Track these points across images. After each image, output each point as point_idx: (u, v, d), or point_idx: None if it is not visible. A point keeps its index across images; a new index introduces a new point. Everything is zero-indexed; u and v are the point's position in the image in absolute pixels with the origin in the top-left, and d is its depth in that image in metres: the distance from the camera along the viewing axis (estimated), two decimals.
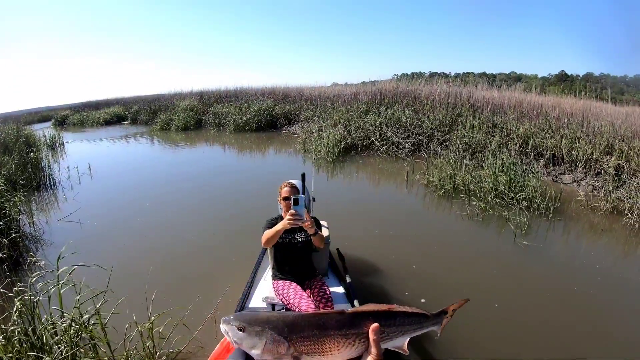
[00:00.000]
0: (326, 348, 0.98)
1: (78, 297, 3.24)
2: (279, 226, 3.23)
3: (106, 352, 3.31)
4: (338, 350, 0.98)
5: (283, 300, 3.45)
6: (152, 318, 3.61)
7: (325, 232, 4.32)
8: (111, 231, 7.06)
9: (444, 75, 23.94)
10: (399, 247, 6.12)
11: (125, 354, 3.39)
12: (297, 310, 3.25)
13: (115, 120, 28.75)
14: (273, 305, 3.63)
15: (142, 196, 9.27)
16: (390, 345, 1.07)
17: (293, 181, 3.90)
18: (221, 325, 1.02)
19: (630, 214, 6.85)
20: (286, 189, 3.57)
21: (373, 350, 0.98)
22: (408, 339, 1.10)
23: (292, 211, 3.09)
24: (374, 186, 10.01)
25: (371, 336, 0.98)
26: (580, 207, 7.67)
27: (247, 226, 6.64)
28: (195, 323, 3.94)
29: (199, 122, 21.84)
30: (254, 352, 0.98)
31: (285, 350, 0.97)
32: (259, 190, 9.23)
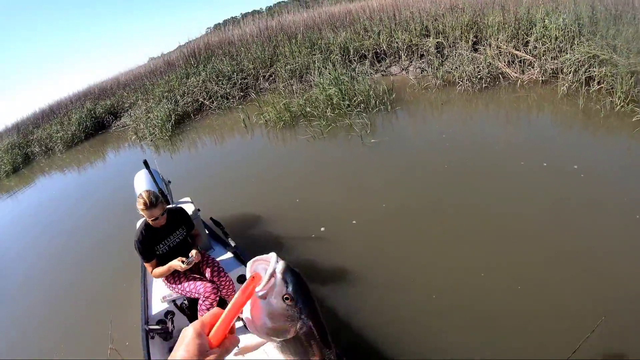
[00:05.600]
0: None
1: None
2: (173, 266, 3.13)
3: None
4: None
5: (180, 292, 3.30)
6: None
7: (190, 207, 4.09)
8: None
9: (256, 12, 23.28)
10: (266, 191, 6.14)
11: None
12: (197, 296, 3.19)
13: None
14: (174, 301, 3.50)
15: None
16: None
17: (142, 183, 4.16)
18: (267, 264, 0.82)
19: (461, 81, 7.21)
20: (145, 211, 3.08)
21: None
22: None
23: (185, 267, 3.07)
24: (219, 144, 9.74)
25: None
26: (414, 91, 7.88)
27: (118, 238, 6.19)
28: None
29: (27, 157, 19.10)
30: (269, 326, 0.83)
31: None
32: (114, 197, 8.39)
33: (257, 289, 0.80)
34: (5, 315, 5.90)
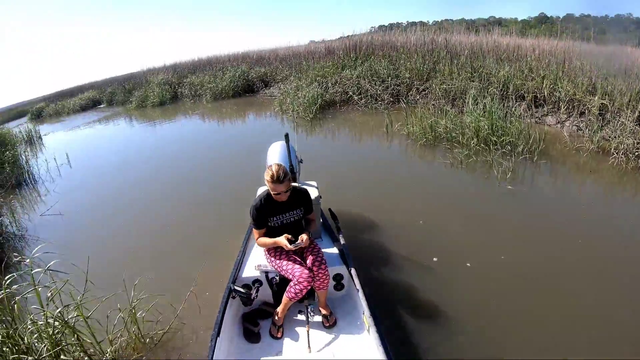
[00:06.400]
0: None
1: (49, 294, 3.20)
2: (279, 242, 3.23)
3: (92, 342, 3.29)
4: None
5: (276, 267, 3.41)
6: (134, 302, 3.58)
7: (314, 192, 4.13)
8: (92, 219, 6.97)
9: (422, 24, 23.36)
10: (390, 202, 6.14)
11: (109, 343, 3.37)
12: (291, 277, 3.25)
13: (91, 105, 27.56)
14: (267, 273, 3.62)
15: (122, 178, 9.12)
16: None
17: (276, 154, 4.23)
18: None
19: (617, 153, 6.78)
20: (271, 183, 3.12)
21: None
22: None
23: (291, 247, 3.15)
24: (356, 141, 9.97)
25: None
26: (565, 148, 7.59)
27: (235, 196, 6.66)
28: (179, 302, 3.92)
29: (175, 96, 21.19)
30: None
31: None
32: (243, 157, 9.14)
33: None
34: (110, 226, 6.60)
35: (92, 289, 3.47)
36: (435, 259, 4.53)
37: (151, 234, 6.10)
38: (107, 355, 3.30)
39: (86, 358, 3.21)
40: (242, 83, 18.72)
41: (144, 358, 3.50)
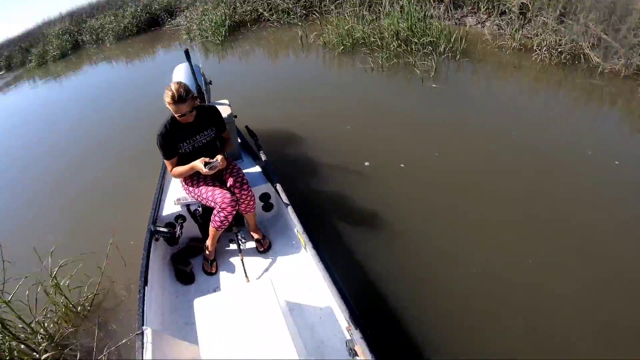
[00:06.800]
0: None
1: None
2: (195, 166, 2.93)
3: (23, 326, 3.04)
4: None
5: (196, 197, 3.18)
6: (55, 272, 3.34)
7: (227, 109, 3.86)
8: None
9: None
10: (313, 113, 6.08)
11: (36, 322, 3.12)
12: (213, 205, 3.05)
13: None
14: (188, 206, 3.42)
15: (30, 145, 8.18)
16: None
17: (180, 75, 3.88)
18: None
19: (539, 50, 6.83)
20: (172, 105, 2.78)
21: None
22: None
23: (207, 171, 2.86)
24: (271, 58, 9.64)
25: None
26: (487, 47, 7.55)
27: (147, 135, 6.13)
28: (103, 260, 3.67)
29: (76, 44, 19.24)
30: None
31: None
32: (154, 94, 8.21)
33: None
34: (18, 187, 6.31)
35: (10, 268, 3.18)
36: (367, 164, 4.56)
37: (64, 196, 5.65)
38: (40, 335, 3.06)
39: (22, 346, 2.96)
40: (146, 17, 17.30)
41: (79, 328, 3.31)
